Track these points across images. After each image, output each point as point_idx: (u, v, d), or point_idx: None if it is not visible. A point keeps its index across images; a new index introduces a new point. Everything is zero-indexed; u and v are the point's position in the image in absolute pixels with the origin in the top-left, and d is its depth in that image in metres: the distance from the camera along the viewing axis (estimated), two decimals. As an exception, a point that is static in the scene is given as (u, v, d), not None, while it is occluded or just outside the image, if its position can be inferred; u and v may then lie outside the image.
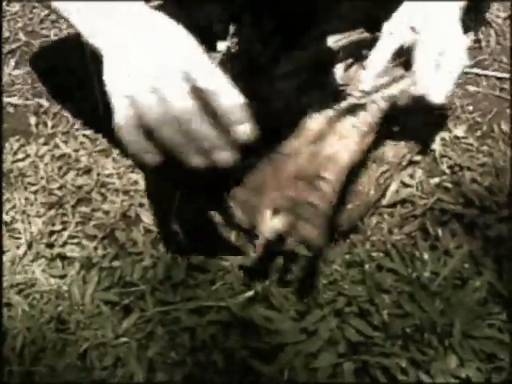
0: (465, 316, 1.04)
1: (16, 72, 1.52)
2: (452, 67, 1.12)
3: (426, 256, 1.11)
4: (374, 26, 1.28)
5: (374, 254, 1.12)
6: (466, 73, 1.40)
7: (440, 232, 1.14)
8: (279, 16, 1.27)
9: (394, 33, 1.13)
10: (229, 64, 1.23)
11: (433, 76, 1.11)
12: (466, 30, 1.36)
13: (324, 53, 1.26)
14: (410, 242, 1.13)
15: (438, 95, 1.12)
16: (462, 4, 1.16)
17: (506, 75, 1.39)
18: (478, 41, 1.46)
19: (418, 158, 1.25)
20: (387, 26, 1.14)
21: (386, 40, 1.13)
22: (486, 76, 1.40)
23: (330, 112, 1.13)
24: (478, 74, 1.41)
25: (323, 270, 1.10)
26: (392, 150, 1.25)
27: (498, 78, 1.40)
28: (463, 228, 1.15)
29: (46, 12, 1.64)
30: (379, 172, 1.21)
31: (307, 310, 1.06)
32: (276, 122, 1.13)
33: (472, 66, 1.41)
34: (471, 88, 1.38)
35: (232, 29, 1.23)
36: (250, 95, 1.13)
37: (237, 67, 1.23)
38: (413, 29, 1.11)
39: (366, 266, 1.10)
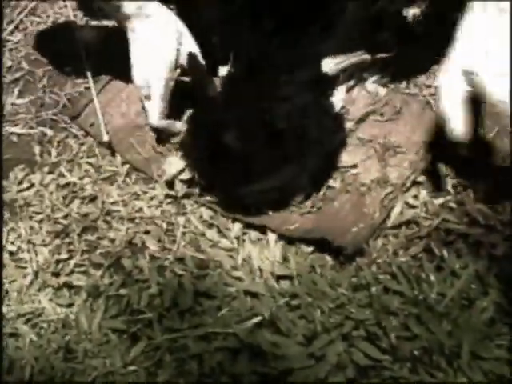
0: (473, 337, 1.03)
1: (19, 101, 1.53)
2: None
3: (432, 277, 1.11)
4: (374, 48, 1.29)
5: (380, 277, 1.12)
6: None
7: (445, 253, 1.14)
8: (279, 16, 1.27)
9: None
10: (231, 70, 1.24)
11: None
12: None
13: (324, 75, 1.26)
14: (415, 264, 1.13)
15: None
16: None
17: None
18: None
19: (421, 178, 1.24)
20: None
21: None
22: (487, 94, 1.40)
23: None
24: (479, 93, 1.40)
25: (330, 295, 1.10)
26: (395, 172, 1.25)
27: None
28: (469, 248, 1.14)
29: (49, 41, 1.65)
30: (383, 194, 1.22)
31: (314, 335, 1.06)
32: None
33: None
34: (473, 107, 1.37)
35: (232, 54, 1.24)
36: (253, 116, 1.15)
37: (238, 71, 1.24)
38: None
39: (373, 289, 1.10)
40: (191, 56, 1.23)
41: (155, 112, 1.25)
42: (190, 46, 1.25)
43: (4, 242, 1.28)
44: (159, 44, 1.23)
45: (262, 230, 1.22)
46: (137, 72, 1.25)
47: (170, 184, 1.29)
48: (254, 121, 1.25)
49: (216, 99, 1.27)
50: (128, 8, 1.24)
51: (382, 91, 1.36)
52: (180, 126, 1.29)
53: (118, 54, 1.35)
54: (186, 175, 1.28)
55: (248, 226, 1.23)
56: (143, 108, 1.31)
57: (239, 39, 1.27)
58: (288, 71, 1.27)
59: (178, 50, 1.24)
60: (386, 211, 1.20)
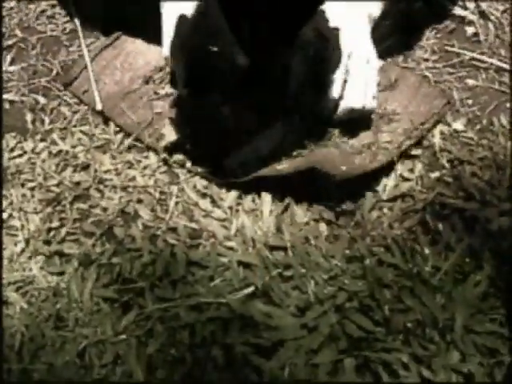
0: (466, 311, 1.03)
1: (12, 68, 1.51)
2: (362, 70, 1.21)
3: (426, 251, 1.10)
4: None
5: (374, 249, 1.12)
6: (465, 66, 1.39)
7: (440, 226, 1.13)
8: (276, 19, 1.27)
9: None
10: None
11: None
12: (466, 23, 1.37)
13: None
14: (410, 237, 1.13)
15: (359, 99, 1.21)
16: None
17: (506, 67, 1.38)
18: (476, 34, 1.45)
19: (417, 151, 1.24)
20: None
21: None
22: (484, 69, 1.39)
23: None
24: (476, 68, 1.39)
25: (323, 266, 1.09)
26: (388, 137, 1.24)
27: (497, 72, 1.39)
28: (464, 222, 1.14)
29: (42, 8, 1.63)
30: (379, 150, 1.20)
31: (307, 306, 1.06)
32: None
33: (471, 60, 1.40)
34: (470, 81, 1.37)
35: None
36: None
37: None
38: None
39: (367, 261, 1.10)
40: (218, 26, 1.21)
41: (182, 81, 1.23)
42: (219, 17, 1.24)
43: (-4, 208, 1.26)
44: (187, 11, 1.22)
45: (255, 185, 1.21)
46: (168, 41, 1.23)
47: (168, 150, 1.27)
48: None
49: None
50: None
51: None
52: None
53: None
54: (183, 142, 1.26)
55: (241, 187, 1.22)
56: (172, 76, 1.29)
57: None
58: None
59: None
60: (377, 163, 1.19)
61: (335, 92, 1.20)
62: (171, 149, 1.27)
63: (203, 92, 1.19)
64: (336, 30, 1.17)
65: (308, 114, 1.21)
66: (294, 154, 1.23)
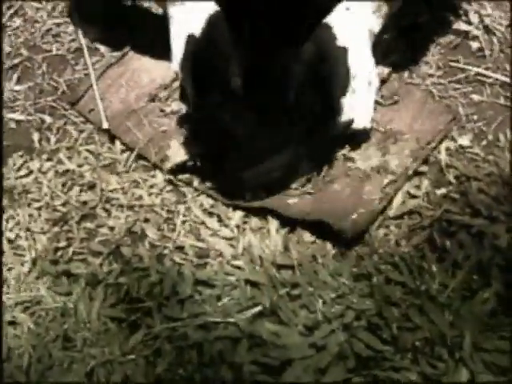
0: (474, 328, 1.03)
1: (18, 87, 1.51)
2: (367, 91, 1.20)
3: (434, 268, 1.10)
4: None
5: (381, 267, 1.12)
6: (470, 81, 1.39)
7: (448, 243, 1.13)
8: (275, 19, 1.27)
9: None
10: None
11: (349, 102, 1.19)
12: (470, 38, 1.37)
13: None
14: (417, 254, 1.12)
15: (362, 120, 1.22)
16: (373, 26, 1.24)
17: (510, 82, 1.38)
18: (481, 49, 1.44)
19: (424, 168, 1.24)
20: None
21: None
22: (490, 84, 1.39)
23: None
24: (481, 83, 1.39)
25: (331, 284, 1.09)
26: (396, 160, 1.24)
27: (502, 86, 1.39)
28: (471, 239, 1.14)
29: (48, 27, 1.63)
30: (385, 182, 1.21)
31: (315, 325, 1.06)
32: None
33: (476, 75, 1.40)
34: (475, 97, 1.37)
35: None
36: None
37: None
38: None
39: (374, 279, 1.10)
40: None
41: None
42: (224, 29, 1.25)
43: (3, 229, 1.26)
44: (196, 28, 1.23)
45: (262, 213, 1.22)
46: (175, 56, 1.24)
47: (173, 172, 1.28)
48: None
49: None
50: None
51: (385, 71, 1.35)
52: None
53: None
54: (188, 162, 1.26)
55: (248, 210, 1.23)
56: (182, 91, 1.29)
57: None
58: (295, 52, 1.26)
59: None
60: (386, 199, 1.19)
61: (346, 114, 1.20)
62: (177, 169, 1.26)
63: (205, 93, 1.19)
64: (343, 49, 1.16)
65: (308, 114, 1.20)
66: (305, 179, 1.23)
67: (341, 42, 1.18)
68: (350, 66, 1.18)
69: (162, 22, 1.40)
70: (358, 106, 1.22)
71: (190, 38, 1.19)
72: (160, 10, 1.55)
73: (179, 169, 1.27)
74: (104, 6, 1.62)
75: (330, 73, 1.18)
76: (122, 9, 1.61)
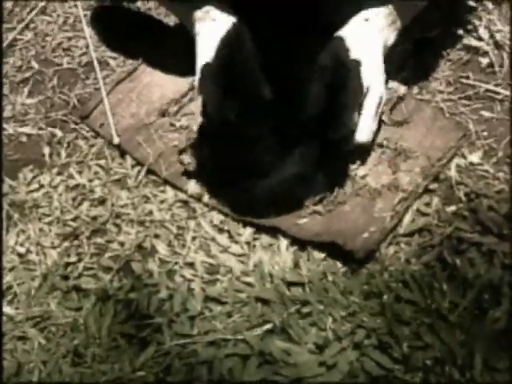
0: (485, 347, 1.03)
1: (29, 101, 1.52)
2: (371, 105, 1.21)
3: (444, 286, 1.10)
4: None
5: (392, 285, 1.11)
6: (480, 98, 1.39)
7: (458, 261, 1.13)
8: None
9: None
10: None
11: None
12: (480, 54, 1.37)
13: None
14: (428, 272, 1.12)
15: (363, 134, 1.22)
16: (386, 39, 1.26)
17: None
18: (491, 65, 1.45)
19: (434, 185, 1.24)
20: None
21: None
22: (500, 101, 1.39)
23: None
24: (492, 99, 1.39)
25: (341, 302, 1.09)
26: (406, 177, 1.24)
27: (513, 103, 1.39)
28: (481, 257, 1.14)
29: (59, 40, 1.64)
30: (396, 199, 1.21)
31: (326, 343, 1.06)
32: None
33: (486, 91, 1.40)
34: (486, 113, 1.37)
35: None
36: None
37: None
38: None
39: (385, 297, 1.09)
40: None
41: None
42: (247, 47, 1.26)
43: (13, 243, 1.27)
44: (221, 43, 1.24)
45: (273, 231, 1.22)
46: (199, 69, 1.25)
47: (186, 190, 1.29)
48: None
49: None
50: (196, 13, 1.30)
51: (402, 88, 1.35)
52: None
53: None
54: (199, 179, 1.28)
55: (258, 228, 1.22)
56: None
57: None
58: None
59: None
60: (397, 217, 1.19)
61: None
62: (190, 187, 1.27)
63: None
64: (357, 62, 1.16)
65: (324, 139, 1.20)
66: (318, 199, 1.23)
67: (356, 54, 1.18)
68: (363, 82, 1.17)
69: (176, 36, 1.43)
70: (360, 120, 1.22)
71: (216, 52, 1.20)
72: (171, 20, 1.56)
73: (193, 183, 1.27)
74: (119, 19, 1.62)
75: (344, 88, 1.17)
76: (136, 21, 1.62)
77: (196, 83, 1.23)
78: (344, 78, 1.17)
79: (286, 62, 1.27)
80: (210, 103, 1.22)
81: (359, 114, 1.23)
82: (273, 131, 1.20)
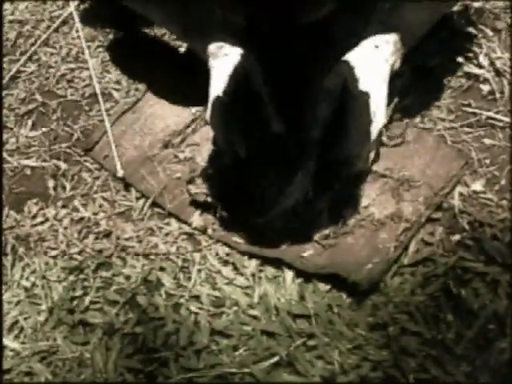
0: (491, 379, 1.03)
1: (33, 133, 1.53)
2: (373, 132, 1.20)
3: (449, 317, 1.11)
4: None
5: (397, 316, 1.12)
6: (482, 125, 1.40)
7: (463, 292, 1.13)
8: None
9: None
10: None
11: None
12: (481, 81, 1.38)
13: None
14: (433, 303, 1.13)
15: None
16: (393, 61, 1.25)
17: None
18: (491, 92, 1.45)
19: (437, 214, 1.24)
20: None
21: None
22: (501, 128, 1.40)
23: None
24: (493, 126, 1.40)
25: (347, 335, 1.10)
26: (410, 207, 1.25)
27: (514, 129, 1.39)
28: (486, 287, 1.14)
29: (62, 72, 1.65)
30: (400, 230, 1.21)
31: (332, 376, 1.06)
32: None
33: (487, 119, 1.41)
34: (487, 141, 1.37)
35: None
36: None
37: None
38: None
39: (390, 329, 1.10)
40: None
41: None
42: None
43: (19, 277, 1.27)
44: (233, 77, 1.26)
45: (278, 263, 1.22)
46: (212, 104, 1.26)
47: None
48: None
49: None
50: (210, 48, 1.31)
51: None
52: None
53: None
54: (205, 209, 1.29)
55: (264, 259, 1.23)
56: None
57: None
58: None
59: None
60: (401, 247, 1.20)
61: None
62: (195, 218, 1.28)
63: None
64: (366, 94, 1.17)
65: (327, 161, 1.21)
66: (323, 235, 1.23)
67: (364, 82, 1.19)
68: (371, 109, 1.18)
69: (182, 67, 1.44)
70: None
71: (225, 87, 1.21)
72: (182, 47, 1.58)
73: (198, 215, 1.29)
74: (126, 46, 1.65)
75: (349, 113, 1.18)
76: (144, 48, 1.64)
77: (207, 118, 1.24)
78: (350, 103, 1.17)
79: (294, 86, 1.26)
80: (219, 138, 1.23)
81: (365, 140, 1.22)
82: (277, 155, 1.21)
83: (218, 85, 1.24)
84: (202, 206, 1.31)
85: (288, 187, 1.23)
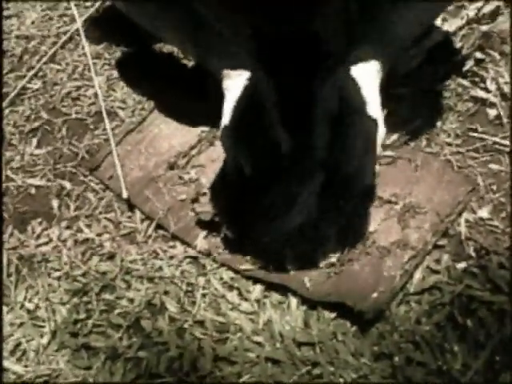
0: (498, 411, 1.02)
1: (37, 151, 1.52)
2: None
3: (455, 347, 1.10)
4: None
5: (403, 346, 1.11)
6: (488, 150, 1.39)
7: (469, 322, 1.13)
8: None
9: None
10: None
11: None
12: (487, 105, 1.38)
13: None
14: (439, 333, 1.12)
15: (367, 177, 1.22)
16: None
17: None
18: (498, 117, 1.45)
19: (443, 241, 1.24)
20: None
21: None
22: (508, 153, 1.39)
23: None
24: (499, 152, 1.40)
25: (352, 364, 1.09)
26: (416, 234, 1.24)
27: (521, 155, 1.39)
28: (492, 316, 1.14)
29: (68, 89, 1.65)
30: (405, 258, 1.20)
31: (337, 406, 1.05)
32: None
33: (494, 144, 1.41)
34: (494, 166, 1.37)
35: None
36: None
37: None
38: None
39: (396, 359, 1.09)
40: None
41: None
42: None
43: (22, 299, 1.27)
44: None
45: (282, 289, 1.21)
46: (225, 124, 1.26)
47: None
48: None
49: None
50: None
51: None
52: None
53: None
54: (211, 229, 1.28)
55: (268, 285, 1.22)
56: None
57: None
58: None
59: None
60: (407, 275, 1.19)
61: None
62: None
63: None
64: (365, 105, 1.18)
65: (333, 176, 1.21)
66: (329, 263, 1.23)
67: (361, 92, 1.19)
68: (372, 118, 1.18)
69: (188, 87, 1.44)
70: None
71: (235, 108, 1.22)
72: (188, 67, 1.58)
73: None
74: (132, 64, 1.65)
75: (355, 127, 1.18)
76: (150, 67, 1.64)
77: (219, 136, 1.24)
78: (351, 116, 1.17)
79: (301, 103, 1.26)
80: (228, 156, 1.23)
81: (370, 152, 1.22)
82: (283, 175, 1.21)
83: (230, 106, 1.23)
84: (208, 226, 1.30)
85: (293, 207, 1.23)
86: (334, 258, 1.22)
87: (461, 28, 1.59)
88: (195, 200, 1.32)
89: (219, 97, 1.28)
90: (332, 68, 1.24)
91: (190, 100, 1.51)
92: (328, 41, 1.34)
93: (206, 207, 1.30)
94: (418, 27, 1.38)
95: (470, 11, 1.61)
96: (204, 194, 1.33)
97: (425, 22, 1.41)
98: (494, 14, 1.61)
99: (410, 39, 1.37)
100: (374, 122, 1.17)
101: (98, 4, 1.84)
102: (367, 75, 1.23)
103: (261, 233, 1.24)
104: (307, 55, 1.33)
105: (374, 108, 1.20)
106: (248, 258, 1.25)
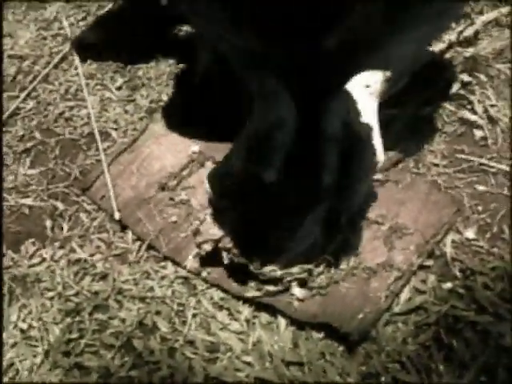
0: (482, 431, 1.04)
1: (31, 172, 1.54)
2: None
3: (441, 368, 1.12)
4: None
5: (389, 366, 1.13)
6: (474, 171, 1.42)
7: (454, 342, 1.15)
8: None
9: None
10: None
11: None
12: (474, 127, 1.40)
13: None
14: (425, 353, 1.14)
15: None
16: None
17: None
18: (484, 138, 1.48)
19: (429, 262, 1.26)
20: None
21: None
22: (493, 174, 1.42)
23: None
24: (485, 172, 1.42)
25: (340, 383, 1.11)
26: (401, 255, 1.26)
27: (506, 176, 1.41)
28: (477, 337, 1.16)
29: (61, 110, 1.67)
30: (391, 278, 1.23)
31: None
32: None
33: (480, 165, 1.43)
34: (480, 187, 1.39)
35: None
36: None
37: None
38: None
39: (382, 379, 1.11)
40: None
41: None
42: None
43: (15, 319, 1.28)
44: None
45: (271, 310, 1.23)
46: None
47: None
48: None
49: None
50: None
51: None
52: None
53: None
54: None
55: (258, 305, 1.24)
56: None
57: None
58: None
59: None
60: (392, 296, 1.21)
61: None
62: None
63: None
64: (368, 126, 1.19)
65: (338, 207, 1.24)
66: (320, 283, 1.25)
67: (362, 120, 1.21)
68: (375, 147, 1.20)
69: (179, 107, 1.46)
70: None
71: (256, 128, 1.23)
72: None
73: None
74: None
75: (357, 153, 1.20)
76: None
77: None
78: (355, 145, 1.19)
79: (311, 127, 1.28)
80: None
81: (368, 178, 1.25)
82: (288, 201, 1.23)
83: (253, 125, 1.25)
84: (213, 260, 1.30)
85: (297, 233, 1.24)
86: (323, 279, 1.23)
87: (444, 51, 1.61)
88: (196, 233, 1.31)
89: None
90: (336, 94, 1.25)
91: (181, 121, 1.53)
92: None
93: (206, 236, 1.30)
94: (416, 52, 1.40)
95: (451, 35, 1.64)
96: (201, 221, 1.33)
97: (422, 47, 1.43)
98: (475, 38, 1.64)
99: (407, 66, 1.38)
100: (373, 147, 1.20)
101: (91, 22, 1.86)
102: (367, 100, 1.26)
103: (267, 262, 1.25)
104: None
105: (374, 133, 1.22)
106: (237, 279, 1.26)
